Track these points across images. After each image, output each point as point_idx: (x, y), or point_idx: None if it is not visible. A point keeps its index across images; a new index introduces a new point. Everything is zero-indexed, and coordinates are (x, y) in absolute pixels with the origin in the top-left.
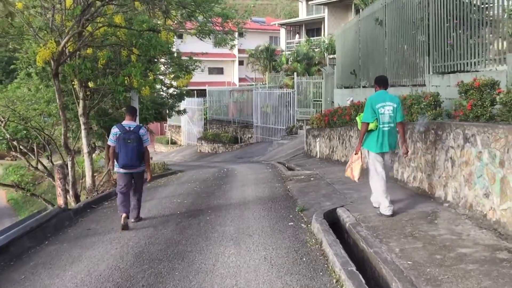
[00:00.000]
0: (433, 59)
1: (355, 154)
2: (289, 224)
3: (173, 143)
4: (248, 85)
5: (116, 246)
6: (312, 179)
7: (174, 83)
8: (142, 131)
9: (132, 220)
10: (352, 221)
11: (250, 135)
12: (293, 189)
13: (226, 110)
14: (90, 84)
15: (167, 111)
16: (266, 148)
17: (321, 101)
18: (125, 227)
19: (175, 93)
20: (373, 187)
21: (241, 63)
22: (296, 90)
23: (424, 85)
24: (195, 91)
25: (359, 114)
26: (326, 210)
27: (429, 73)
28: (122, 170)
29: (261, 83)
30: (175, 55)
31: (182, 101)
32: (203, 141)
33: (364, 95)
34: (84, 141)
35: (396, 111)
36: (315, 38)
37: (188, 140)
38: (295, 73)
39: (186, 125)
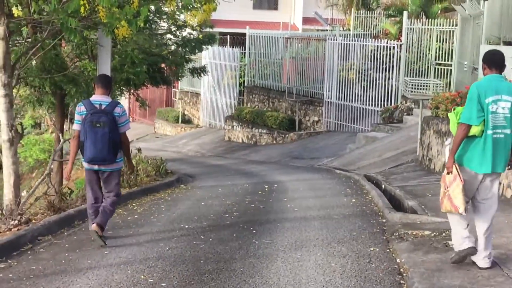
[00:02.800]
0: None
1: (447, 173)
2: None
3: (186, 121)
4: (318, 30)
5: None
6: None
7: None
8: (118, 110)
9: (93, 227)
10: None
11: (317, 118)
12: (413, 274)
13: (278, 72)
14: (16, 11)
15: (175, 69)
16: (343, 144)
17: (450, 65)
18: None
19: (190, 37)
20: (450, 220)
21: None
22: (405, 43)
23: None
24: (228, 36)
25: (454, 109)
26: None
27: None
28: (88, 166)
29: (342, 28)
30: None
31: (201, 51)
32: (235, 123)
33: None
34: (3, 117)
35: None
36: None
37: (210, 119)
38: (404, 13)
39: (209, 94)
